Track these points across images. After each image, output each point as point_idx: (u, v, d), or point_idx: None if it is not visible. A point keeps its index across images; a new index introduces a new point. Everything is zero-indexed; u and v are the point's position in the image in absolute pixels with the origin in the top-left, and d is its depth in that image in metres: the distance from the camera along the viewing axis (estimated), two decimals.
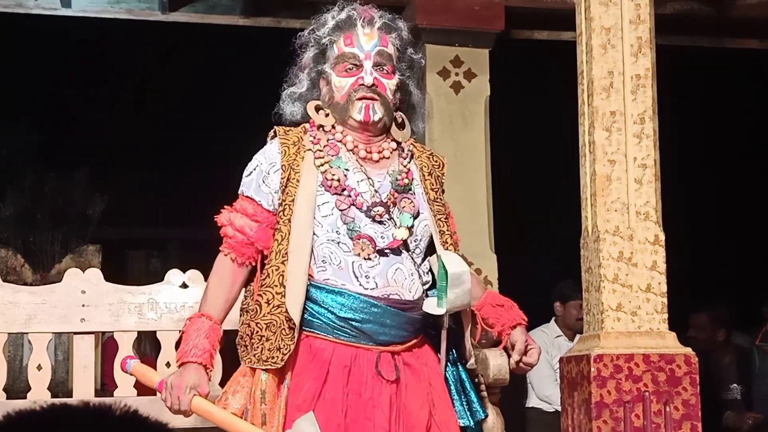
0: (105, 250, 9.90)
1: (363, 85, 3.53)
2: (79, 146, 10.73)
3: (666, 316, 4.75)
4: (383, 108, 3.55)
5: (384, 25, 3.60)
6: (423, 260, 3.58)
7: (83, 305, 4.28)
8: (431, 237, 3.58)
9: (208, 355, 3.45)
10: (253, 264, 3.55)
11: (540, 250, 10.14)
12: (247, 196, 3.57)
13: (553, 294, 7.67)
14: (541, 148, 10.02)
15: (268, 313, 3.42)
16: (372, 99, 3.53)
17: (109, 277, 4.41)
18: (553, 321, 7.62)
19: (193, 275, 4.36)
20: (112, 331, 4.35)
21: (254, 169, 3.58)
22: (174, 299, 4.34)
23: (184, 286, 4.36)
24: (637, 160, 4.81)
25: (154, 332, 4.42)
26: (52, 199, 10.04)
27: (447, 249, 3.55)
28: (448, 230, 3.61)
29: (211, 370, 3.47)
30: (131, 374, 3.64)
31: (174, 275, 4.36)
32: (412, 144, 3.70)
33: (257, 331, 3.43)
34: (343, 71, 3.57)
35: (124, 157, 10.98)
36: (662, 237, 4.78)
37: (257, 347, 3.42)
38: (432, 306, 3.48)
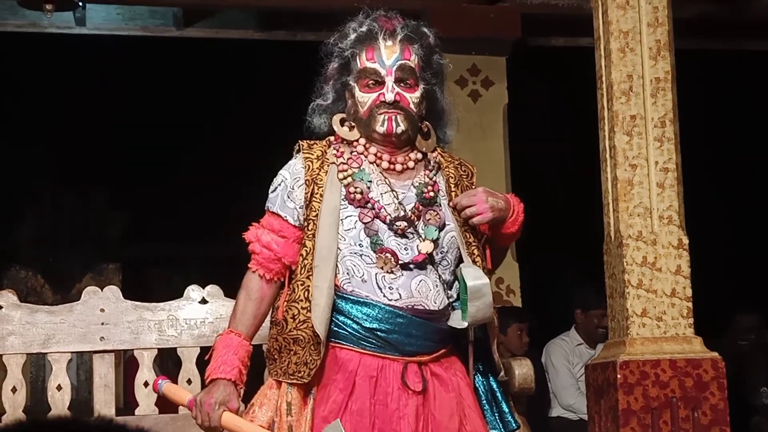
0: (125, 269, 9.90)
1: (384, 102, 3.49)
2: (97, 165, 10.73)
3: (692, 320, 4.70)
4: (406, 120, 3.51)
5: (406, 36, 3.55)
6: (452, 272, 3.55)
7: (102, 323, 4.25)
8: (459, 248, 3.54)
9: (237, 371, 3.46)
10: (282, 279, 3.55)
11: (562, 257, 10.09)
12: (272, 212, 3.56)
13: (574, 301, 7.60)
14: (561, 154, 9.97)
15: (294, 328, 3.43)
16: (394, 113, 3.50)
17: (129, 295, 4.38)
18: (573, 329, 7.55)
19: (213, 290, 4.33)
20: (132, 349, 4.31)
21: (279, 185, 3.58)
22: (194, 315, 4.31)
23: (204, 301, 4.33)
24: (659, 163, 4.77)
25: (175, 349, 4.39)
26: (71, 219, 10.04)
27: (474, 260, 3.51)
28: (475, 241, 3.57)
29: (240, 387, 3.47)
30: (163, 394, 3.63)
31: (193, 291, 4.33)
32: (439, 154, 3.66)
33: (285, 346, 3.44)
34: (366, 87, 3.53)
35: (142, 175, 10.97)
36: (686, 241, 4.74)
37: (285, 361, 3.43)
38: (456, 320, 3.47)
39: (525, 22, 8.04)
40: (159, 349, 4.32)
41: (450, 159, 3.70)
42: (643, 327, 4.66)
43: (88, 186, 10.26)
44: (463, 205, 3.53)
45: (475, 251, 3.56)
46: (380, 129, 3.50)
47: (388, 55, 3.52)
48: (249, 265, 3.58)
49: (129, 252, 11.04)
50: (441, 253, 3.51)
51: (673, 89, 4.85)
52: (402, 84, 3.52)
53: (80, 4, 5.88)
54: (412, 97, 3.53)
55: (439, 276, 3.48)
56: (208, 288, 4.34)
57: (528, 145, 8.69)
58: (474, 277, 3.43)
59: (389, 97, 3.49)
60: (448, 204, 3.57)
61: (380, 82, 3.51)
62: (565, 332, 7.56)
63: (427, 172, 3.59)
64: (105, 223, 10.27)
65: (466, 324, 3.44)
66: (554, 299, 7.78)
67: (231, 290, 4.30)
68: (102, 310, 4.26)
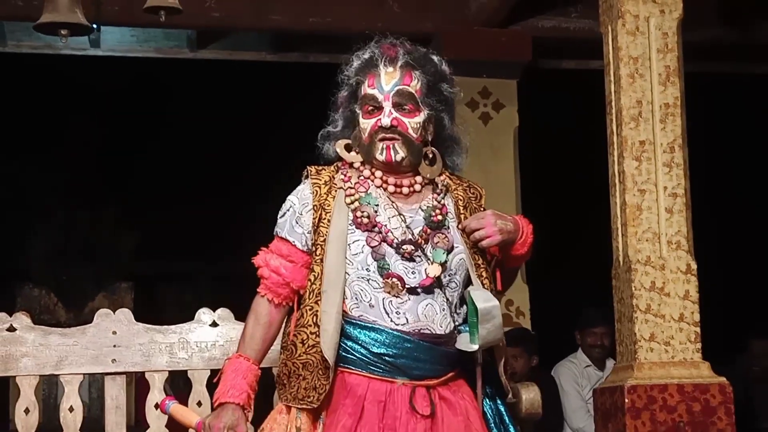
0: (137, 285, 9.93)
1: (381, 126, 3.52)
2: (108, 183, 10.79)
3: (699, 345, 4.71)
4: (405, 147, 3.51)
5: (408, 62, 3.55)
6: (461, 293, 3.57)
7: (114, 346, 4.28)
8: (468, 270, 3.56)
9: (245, 396, 3.48)
10: (290, 304, 3.57)
11: (572, 281, 10.10)
12: (281, 237, 3.58)
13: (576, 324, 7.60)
14: (571, 177, 10.00)
15: (303, 353, 3.44)
16: (392, 139, 3.51)
17: (141, 312, 4.42)
18: (580, 350, 7.55)
19: (223, 314, 4.37)
20: (144, 371, 4.34)
21: (288, 210, 3.59)
22: (204, 338, 4.34)
23: (214, 324, 4.35)
24: (668, 189, 4.79)
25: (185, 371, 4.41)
26: (83, 236, 10.09)
27: (483, 282, 3.53)
28: (484, 263, 3.58)
29: (248, 411, 3.49)
30: (170, 415, 3.65)
31: (204, 314, 4.36)
32: (447, 177, 3.67)
33: (294, 371, 3.45)
34: (367, 113, 3.55)
35: (153, 192, 11.02)
36: (694, 266, 4.75)
37: (294, 386, 3.45)
38: (465, 342, 3.46)
39: (536, 46, 8.07)
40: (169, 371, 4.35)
41: (458, 181, 3.71)
42: (651, 351, 4.68)
43: (99, 204, 10.30)
44: (471, 228, 3.53)
45: (484, 273, 3.56)
46: (380, 157, 3.52)
47: (386, 81, 3.53)
48: (258, 290, 3.60)
49: (140, 268, 11.09)
50: (449, 275, 3.51)
51: (682, 115, 4.87)
52: (400, 109, 3.52)
53: (95, 28, 5.91)
54: (411, 122, 3.52)
55: (447, 299, 3.49)
56: (219, 311, 4.37)
57: (538, 167, 8.71)
58: (484, 299, 3.43)
59: (385, 121, 3.49)
60: (457, 226, 3.57)
61: (379, 108, 3.53)
62: (572, 354, 7.55)
63: (436, 195, 3.59)
64: (116, 239, 10.31)
65: (476, 347, 3.45)
66: (564, 321, 7.77)
67: (242, 309, 4.33)
68: (114, 333, 4.29)
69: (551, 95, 9.57)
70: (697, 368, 4.69)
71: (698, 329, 4.72)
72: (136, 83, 9.92)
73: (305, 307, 3.47)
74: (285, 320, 3.59)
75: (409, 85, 3.54)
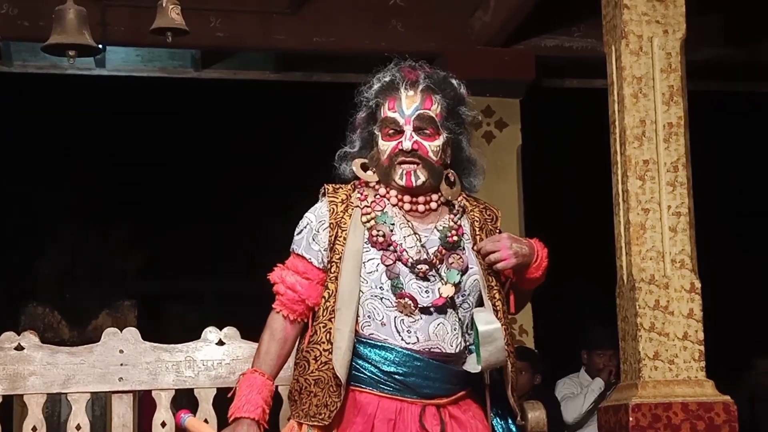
0: (141, 304, 9.95)
1: (402, 150, 3.54)
2: (115, 203, 10.82)
3: (704, 364, 4.73)
4: (426, 171, 3.54)
5: (428, 87, 3.58)
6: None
7: (121, 364, 4.31)
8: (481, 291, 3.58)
9: (260, 411, 3.51)
10: (305, 320, 3.60)
11: (576, 299, 10.12)
12: (297, 254, 3.62)
13: (583, 342, 7.59)
14: (575, 196, 10.02)
15: (316, 369, 3.48)
16: (413, 163, 3.54)
17: (146, 332, 4.45)
18: (582, 370, 7.55)
19: (230, 332, 4.40)
20: (151, 390, 4.36)
21: (305, 227, 3.63)
22: (211, 357, 4.37)
23: (221, 343, 4.38)
24: (671, 208, 4.81)
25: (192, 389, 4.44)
26: (90, 256, 10.11)
27: (495, 304, 3.55)
28: (497, 285, 3.60)
29: (263, 426, 3.53)
30: (186, 428, 3.69)
31: (211, 333, 4.40)
32: (464, 198, 3.69)
33: (306, 387, 3.49)
34: (387, 135, 3.57)
35: (159, 211, 11.04)
36: (698, 284, 4.77)
37: (305, 402, 3.48)
38: (471, 363, 3.50)
39: (539, 64, 8.10)
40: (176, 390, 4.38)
41: (475, 203, 3.73)
42: (655, 370, 4.70)
43: (107, 224, 10.33)
44: (486, 250, 3.56)
45: (497, 295, 3.59)
46: (399, 181, 3.55)
47: (408, 105, 3.56)
48: (273, 306, 3.63)
49: (144, 287, 11.11)
50: (462, 296, 3.54)
51: (685, 134, 4.90)
52: (421, 133, 3.55)
53: (102, 48, 5.96)
54: (431, 146, 3.55)
55: (459, 319, 3.52)
56: (225, 330, 4.39)
57: (542, 186, 8.73)
58: (485, 321, 3.46)
59: (406, 145, 3.53)
60: (472, 248, 3.60)
61: (400, 131, 3.55)
62: (574, 373, 7.56)
63: (452, 215, 3.62)
64: (122, 259, 10.33)
65: (479, 368, 3.48)
66: (568, 341, 7.79)
67: (246, 327, 4.36)
68: (121, 351, 4.32)
69: (555, 114, 9.59)
70: (702, 387, 4.71)
71: (702, 348, 4.73)
72: (141, 102, 9.96)
73: (318, 324, 3.51)
74: (299, 336, 3.62)
75: (429, 109, 3.57)
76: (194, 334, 4.45)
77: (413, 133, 3.54)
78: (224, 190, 10.96)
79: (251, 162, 10.89)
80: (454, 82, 3.67)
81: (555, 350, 8.22)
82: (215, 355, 4.37)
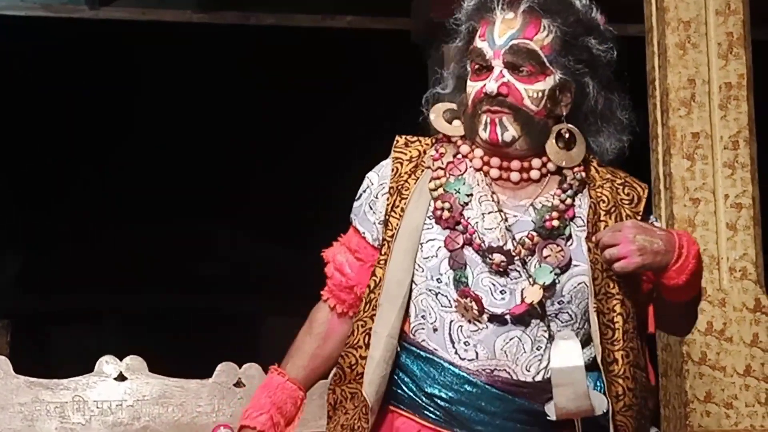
0: (15, 324, 9.92)
1: (486, 94, 3.39)
2: None
3: None
4: (518, 124, 3.36)
5: (531, 9, 3.41)
6: (579, 331, 3.36)
7: None
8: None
9: (265, 418, 3.49)
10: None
11: None
12: (354, 226, 3.56)
13: None
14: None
15: (352, 380, 3.42)
16: (499, 112, 3.40)
17: (21, 361, 4.44)
18: None
19: (134, 363, 4.37)
20: None
21: (365, 191, 3.55)
22: (107, 396, 4.35)
23: (122, 377, 4.37)
24: (730, 198, 4.83)
25: None
26: None
27: (607, 321, 3.32)
28: (621, 293, 3.35)
29: None
30: None
31: (107, 364, 4.38)
32: (594, 168, 3.49)
33: (341, 401, 3.46)
34: (475, 73, 3.43)
35: (38, 205, 11.03)
36: (765, 302, 4.79)
37: (335, 420, 3.46)
38: (550, 407, 3.28)
39: None
40: None
41: (609, 176, 3.51)
42: (708, 416, 4.72)
43: None
44: (604, 244, 3.29)
45: (617, 308, 3.35)
46: (483, 135, 3.38)
47: (501, 32, 3.40)
48: (321, 293, 3.60)
49: (22, 304, 11.10)
50: (559, 303, 3.34)
51: (749, 98, 4.91)
52: (516, 71, 3.38)
53: None
54: (529, 90, 3.37)
55: (549, 335, 3.34)
56: (127, 360, 4.38)
57: None
58: (562, 356, 3.27)
59: (491, 87, 3.35)
60: (587, 239, 3.39)
61: (488, 68, 3.41)
62: None
63: (561, 190, 3.42)
64: None
65: (553, 417, 3.27)
66: None
67: (158, 355, 4.35)
68: None
69: None
70: None
71: None
72: (15, 51, 9.95)
73: (358, 322, 3.43)
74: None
75: (531, 39, 3.38)
76: (86, 366, 4.45)
77: (505, 71, 3.45)
78: (120, 166, 10.94)
79: (167, 134, 10.90)
80: (579, 2, 3.47)
81: None
82: (114, 394, 4.36)
